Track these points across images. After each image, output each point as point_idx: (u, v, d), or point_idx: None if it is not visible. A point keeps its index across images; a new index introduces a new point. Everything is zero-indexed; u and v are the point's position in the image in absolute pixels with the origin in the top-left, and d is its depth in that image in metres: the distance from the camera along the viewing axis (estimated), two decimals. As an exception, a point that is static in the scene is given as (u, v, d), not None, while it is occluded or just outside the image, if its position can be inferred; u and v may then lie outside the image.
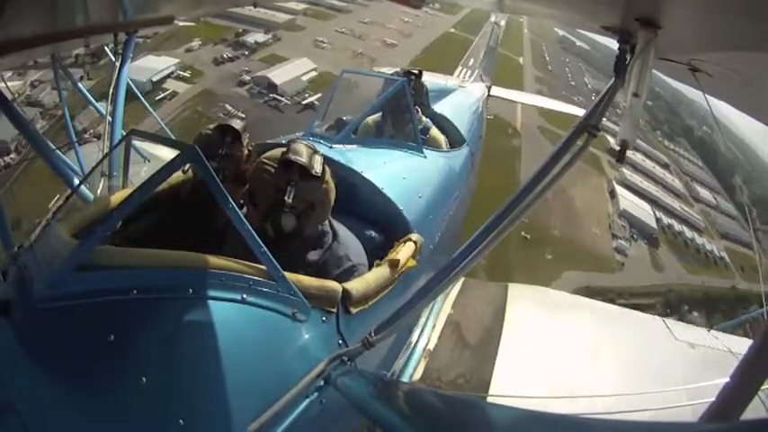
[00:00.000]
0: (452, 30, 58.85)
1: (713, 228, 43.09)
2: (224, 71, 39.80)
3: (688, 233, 39.97)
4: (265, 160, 1.70)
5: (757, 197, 48.53)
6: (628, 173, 41.20)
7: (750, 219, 34.57)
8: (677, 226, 40.01)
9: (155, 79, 35.39)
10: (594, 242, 32.73)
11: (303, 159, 1.64)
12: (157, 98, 33.73)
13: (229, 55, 41.80)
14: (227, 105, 34.85)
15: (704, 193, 48.43)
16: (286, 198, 1.60)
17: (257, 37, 45.22)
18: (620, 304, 30.65)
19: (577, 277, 28.81)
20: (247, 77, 38.72)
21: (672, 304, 32.56)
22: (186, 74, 38.17)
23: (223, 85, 37.97)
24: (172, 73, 37.53)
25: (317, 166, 1.67)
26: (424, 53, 49.62)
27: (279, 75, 38.64)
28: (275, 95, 36.92)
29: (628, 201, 38.03)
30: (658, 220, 38.86)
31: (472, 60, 47.36)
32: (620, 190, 38.46)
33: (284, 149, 1.68)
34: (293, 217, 1.64)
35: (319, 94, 34.32)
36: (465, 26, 58.95)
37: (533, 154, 33.87)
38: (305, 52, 44.04)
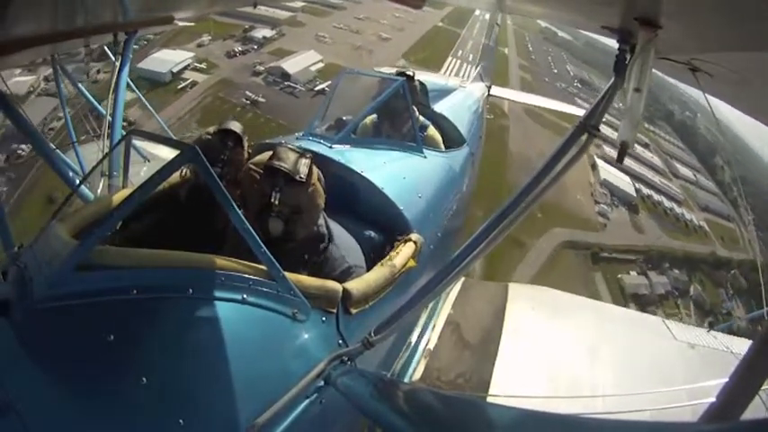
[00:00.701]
0: (440, 23, 60.83)
1: (693, 200, 43.41)
2: (237, 63, 41.91)
3: (667, 203, 40.51)
4: (252, 166, 1.72)
5: (741, 176, 48.69)
6: (608, 149, 41.28)
7: (737, 195, 34.95)
8: (656, 196, 40.59)
9: (174, 71, 37.56)
10: (579, 206, 35.51)
11: (286, 165, 1.64)
12: (179, 87, 36.21)
13: (240, 49, 44.04)
14: (247, 92, 36.94)
15: (684, 170, 48.65)
16: (273, 201, 1.62)
17: (264, 32, 47.29)
18: (603, 258, 31.22)
19: (564, 232, 32.04)
20: (261, 68, 40.79)
21: (653, 261, 33.62)
22: (202, 66, 40.29)
23: (239, 75, 40.02)
24: (189, 65, 39.55)
25: (302, 171, 1.67)
26: (416, 45, 51.65)
27: (291, 65, 40.81)
28: (289, 83, 39.20)
29: (608, 172, 39.02)
30: (638, 191, 39.59)
31: (461, 51, 50.78)
32: (600, 163, 39.27)
33: (271, 155, 1.69)
34: (280, 221, 1.66)
35: (329, 82, 36.12)
36: (452, 20, 61.38)
37: (520, 131, 38.19)
38: (308, 46, 45.84)
